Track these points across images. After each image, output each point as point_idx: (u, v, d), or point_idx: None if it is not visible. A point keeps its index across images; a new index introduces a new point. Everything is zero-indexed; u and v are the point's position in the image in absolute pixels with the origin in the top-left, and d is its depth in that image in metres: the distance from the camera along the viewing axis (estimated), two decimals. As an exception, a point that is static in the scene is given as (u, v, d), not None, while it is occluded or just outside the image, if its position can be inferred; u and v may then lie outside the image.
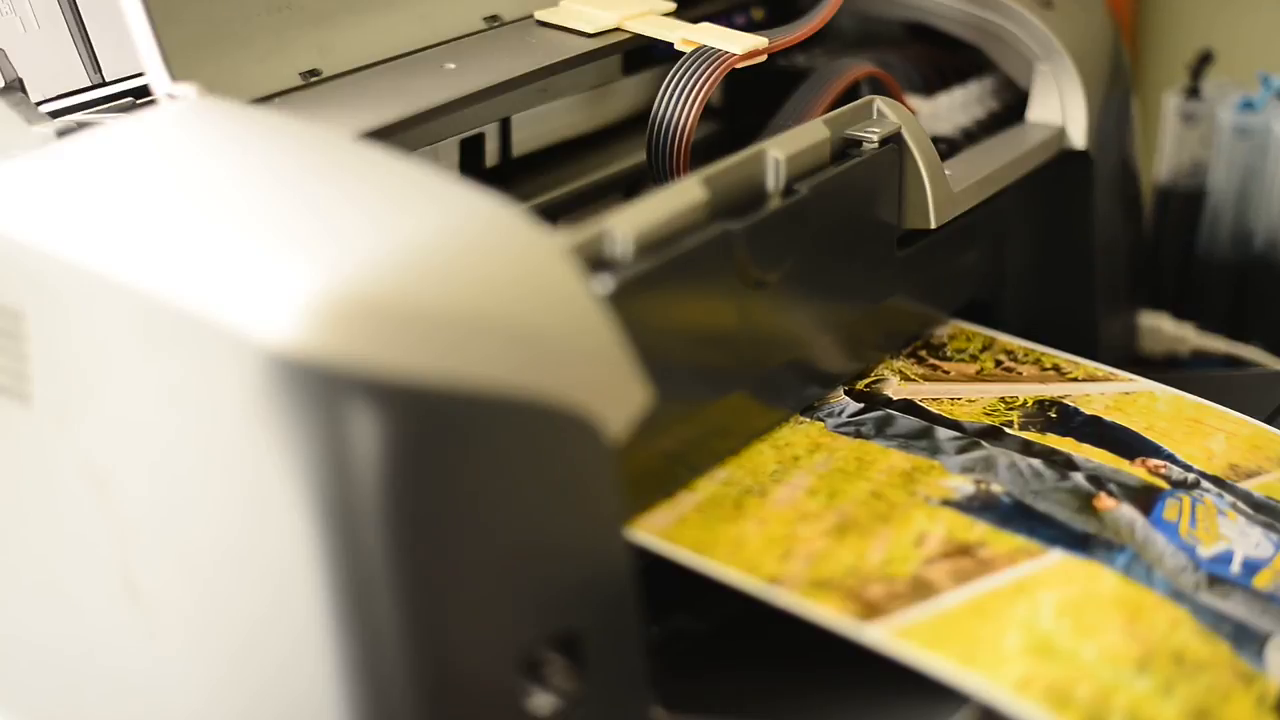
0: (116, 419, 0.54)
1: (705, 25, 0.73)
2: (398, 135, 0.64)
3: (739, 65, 0.71)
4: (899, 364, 0.74)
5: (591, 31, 0.73)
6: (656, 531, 0.61)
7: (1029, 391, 0.74)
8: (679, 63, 0.71)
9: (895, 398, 0.72)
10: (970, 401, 0.72)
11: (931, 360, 0.75)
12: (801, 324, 0.68)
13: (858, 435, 0.69)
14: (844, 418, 0.70)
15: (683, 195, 0.61)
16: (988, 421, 0.71)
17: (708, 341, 0.63)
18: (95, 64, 0.68)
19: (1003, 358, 0.77)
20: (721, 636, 0.64)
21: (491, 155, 0.77)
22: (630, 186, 0.82)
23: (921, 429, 0.69)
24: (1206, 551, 0.64)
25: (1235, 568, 0.63)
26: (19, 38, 0.67)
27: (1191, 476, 0.69)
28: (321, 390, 0.49)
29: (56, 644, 0.59)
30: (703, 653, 0.63)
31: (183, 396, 0.52)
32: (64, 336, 0.54)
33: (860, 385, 0.72)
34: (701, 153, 0.70)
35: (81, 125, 0.63)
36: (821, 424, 0.69)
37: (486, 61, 0.70)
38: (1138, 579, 0.61)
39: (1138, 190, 0.90)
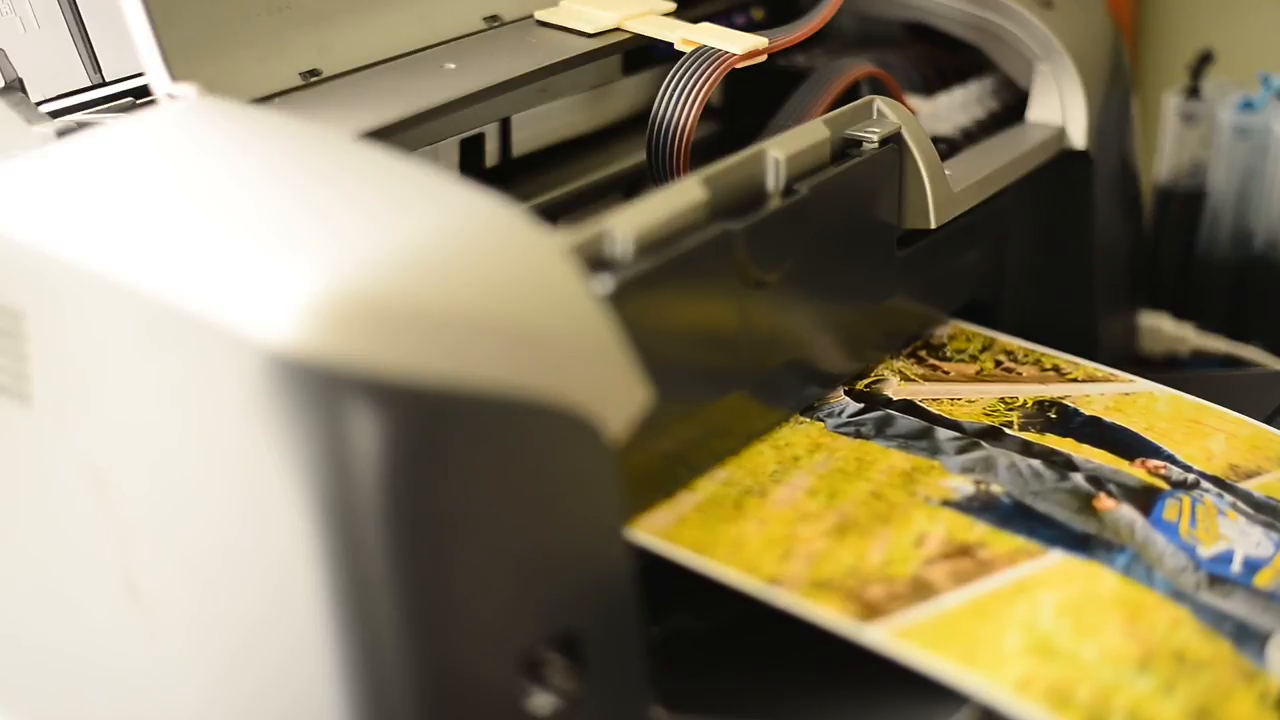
0: (116, 419, 0.54)
1: (705, 25, 0.73)
2: (398, 135, 0.64)
3: (739, 65, 0.71)
4: (899, 364, 0.74)
5: (591, 31, 0.73)
6: (656, 531, 0.61)
7: (1029, 392, 0.74)
8: (679, 63, 0.71)
9: (895, 398, 0.72)
10: (970, 402, 0.72)
11: (931, 360, 0.75)
12: (802, 324, 0.68)
13: (858, 435, 0.69)
14: (844, 418, 0.70)
15: (683, 195, 0.61)
16: (987, 422, 0.71)
17: (708, 341, 0.63)
18: (95, 64, 0.68)
19: (1002, 358, 0.77)
20: (721, 636, 0.64)
21: (491, 155, 0.77)
22: (630, 186, 0.82)
23: (921, 429, 0.69)
24: (1207, 551, 0.64)
25: (1236, 567, 0.64)
26: (19, 38, 0.67)
27: (1191, 477, 0.69)
28: (321, 390, 0.49)
29: (57, 644, 0.59)
30: (703, 653, 0.63)
31: (183, 396, 0.52)
32: (64, 336, 0.54)
33: (860, 386, 0.72)
34: (701, 153, 0.70)
35: (81, 125, 0.63)
36: (821, 424, 0.69)
37: (486, 61, 0.70)
38: (1138, 579, 0.61)
39: (1138, 190, 0.90)
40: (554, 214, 0.76)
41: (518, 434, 0.51)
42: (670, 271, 0.59)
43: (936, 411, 0.71)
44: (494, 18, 0.74)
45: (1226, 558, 0.64)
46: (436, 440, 0.50)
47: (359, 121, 0.63)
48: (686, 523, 0.61)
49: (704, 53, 0.71)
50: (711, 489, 0.64)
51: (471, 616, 0.51)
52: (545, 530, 0.53)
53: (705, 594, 0.63)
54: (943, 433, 0.69)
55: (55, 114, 0.65)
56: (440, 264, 0.50)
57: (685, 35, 0.72)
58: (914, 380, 0.73)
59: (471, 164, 0.76)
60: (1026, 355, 0.77)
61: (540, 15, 0.74)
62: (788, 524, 0.62)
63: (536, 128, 0.79)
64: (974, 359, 0.76)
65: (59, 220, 0.54)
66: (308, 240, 0.51)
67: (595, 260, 0.57)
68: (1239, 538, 0.65)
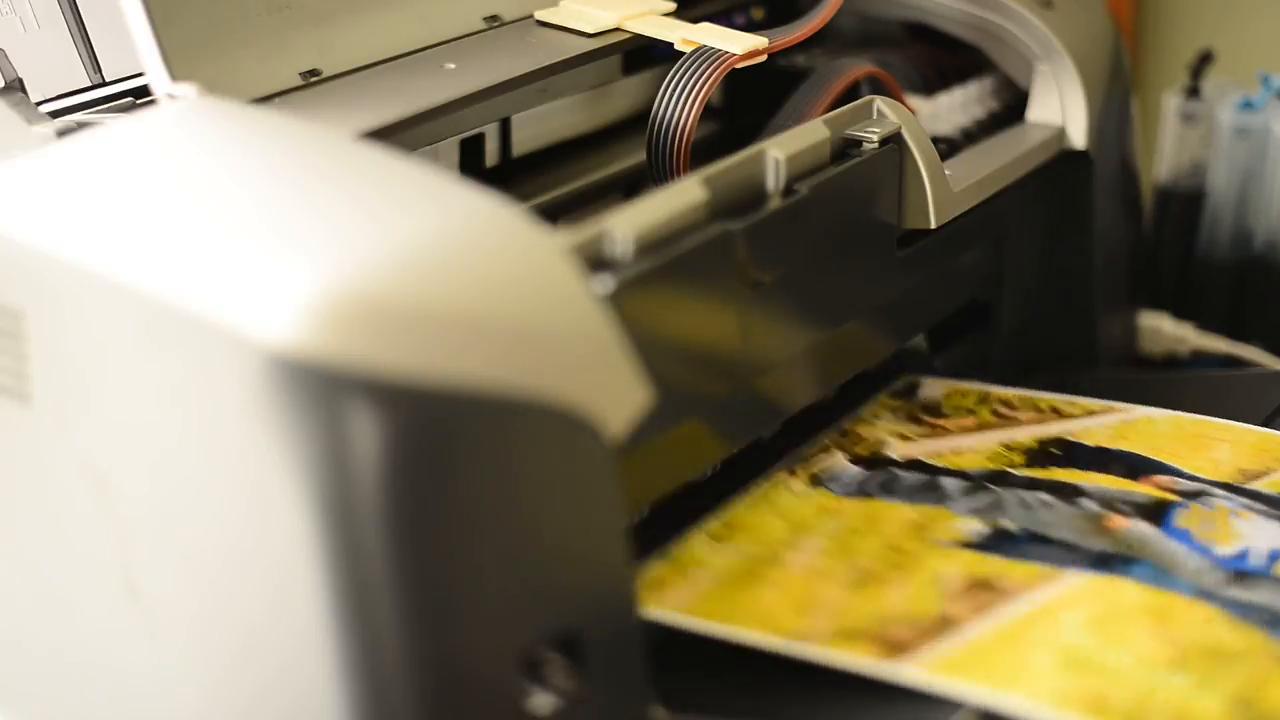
0: (116, 419, 0.54)
1: (705, 25, 0.73)
2: (398, 135, 0.64)
3: (739, 65, 0.71)
4: (898, 427, 0.74)
5: (591, 31, 0.73)
6: (676, 608, 0.61)
7: (1030, 434, 0.74)
8: (679, 63, 0.71)
9: (898, 458, 0.72)
10: (973, 451, 0.72)
11: (930, 420, 0.75)
12: (802, 323, 0.68)
13: (863, 496, 0.68)
14: (848, 482, 0.69)
15: (683, 195, 0.61)
16: (992, 467, 0.71)
17: (708, 341, 0.63)
18: (95, 64, 0.68)
19: (999, 407, 0.76)
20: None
21: (491, 155, 0.77)
22: (630, 186, 0.82)
23: (927, 482, 0.69)
24: (1225, 550, 0.64)
25: (1257, 560, 0.63)
26: (19, 38, 0.67)
27: (1200, 486, 0.69)
28: (322, 390, 0.49)
29: (57, 644, 0.59)
30: (703, 653, 0.63)
31: (183, 396, 0.52)
32: (64, 336, 0.54)
33: (861, 451, 0.72)
34: (701, 153, 0.70)
35: (81, 125, 0.62)
36: (826, 490, 0.69)
37: (486, 61, 0.70)
38: (1161, 586, 0.61)
39: (1138, 190, 0.90)
40: (554, 214, 0.76)
41: (518, 434, 0.51)
42: (670, 271, 0.59)
43: (940, 464, 0.71)
44: (494, 18, 0.74)
45: (1246, 554, 0.64)
46: (436, 440, 0.50)
47: (359, 121, 0.63)
48: (704, 596, 0.61)
49: (704, 53, 0.71)
50: (724, 562, 0.64)
51: (471, 616, 0.51)
52: (545, 530, 0.53)
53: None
54: (949, 482, 0.69)
55: (55, 114, 0.64)
56: (440, 264, 0.50)
57: (685, 35, 0.72)
58: (914, 440, 0.73)
59: (471, 164, 0.76)
60: (1023, 401, 0.77)
61: (540, 15, 0.74)
62: (805, 584, 0.62)
63: (536, 128, 0.79)
64: (971, 412, 0.76)
65: (59, 220, 0.54)
66: (308, 240, 0.51)
67: (595, 260, 0.57)
68: (1255, 534, 0.65)
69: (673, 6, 0.76)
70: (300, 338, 0.48)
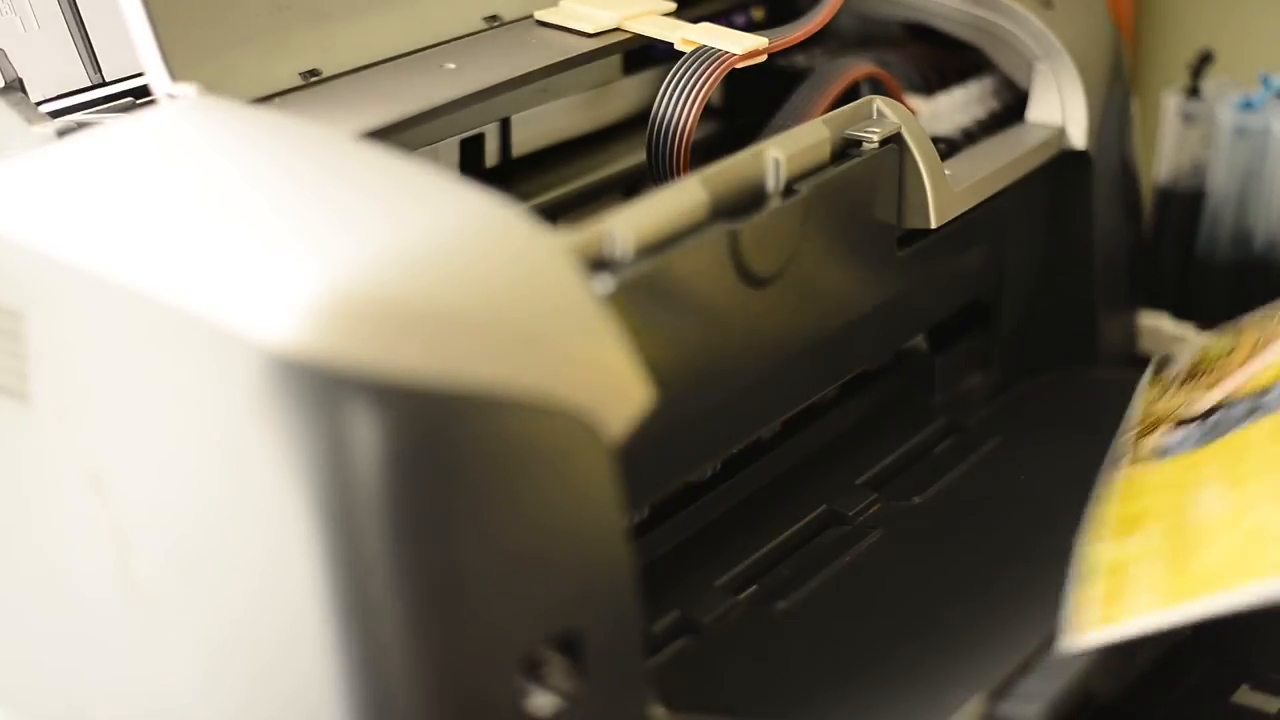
0: (116, 419, 0.54)
1: (705, 25, 0.73)
2: (398, 135, 0.64)
3: (739, 65, 0.71)
4: (1182, 393, 0.71)
5: (591, 31, 0.73)
6: (1152, 608, 0.56)
7: None
8: (679, 63, 0.71)
9: (1209, 407, 0.68)
10: (1269, 368, 0.68)
11: (1203, 378, 0.72)
12: (802, 323, 0.68)
13: (1208, 443, 0.65)
14: (1184, 441, 0.66)
15: (683, 195, 0.61)
16: None
17: (708, 341, 0.63)
18: (95, 64, 0.68)
19: (1247, 339, 0.73)
20: (721, 636, 0.64)
21: (491, 155, 0.77)
22: (630, 186, 0.82)
23: (1254, 405, 0.65)
24: None
25: None
26: (19, 38, 0.67)
27: None
28: (322, 391, 0.49)
29: (58, 644, 0.59)
30: (703, 653, 0.63)
31: (183, 397, 0.52)
32: (64, 337, 0.54)
33: (1170, 421, 0.69)
34: (701, 153, 0.70)
35: (81, 125, 0.63)
36: (1172, 456, 0.66)
37: (486, 61, 0.70)
38: None
39: (1138, 190, 0.90)
40: (554, 214, 0.76)
41: (518, 434, 0.51)
42: (670, 271, 0.59)
43: (1249, 393, 0.67)
44: (494, 18, 0.74)
45: None
46: (437, 441, 0.50)
47: (359, 121, 0.63)
48: (1166, 585, 0.57)
49: (704, 53, 0.71)
50: (1147, 548, 0.59)
51: (472, 617, 0.51)
52: (545, 530, 0.53)
53: (704, 593, 0.63)
54: (1272, 396, 0.65)
55: (55, 114, 0.65)
56: (441, 264, 0.50)
57: (685, 35, 0.72)
58: (1208, 391, 0.70)
59: (471, 164, 0.76)
60: (1259, 323, 0.73)
61: (540, 15, 0.74)
62: (1237, 524, 0.58)
63: (536, 128, 0.79)
64: (1230, 354, 0.72)
65: (59, 220, 0.54)
66: (308, 241, 0.51)
67: (595, 260, 0.57)
68: None
69: (673, 6, 0.76)
70: (301, 338, 0.48)
